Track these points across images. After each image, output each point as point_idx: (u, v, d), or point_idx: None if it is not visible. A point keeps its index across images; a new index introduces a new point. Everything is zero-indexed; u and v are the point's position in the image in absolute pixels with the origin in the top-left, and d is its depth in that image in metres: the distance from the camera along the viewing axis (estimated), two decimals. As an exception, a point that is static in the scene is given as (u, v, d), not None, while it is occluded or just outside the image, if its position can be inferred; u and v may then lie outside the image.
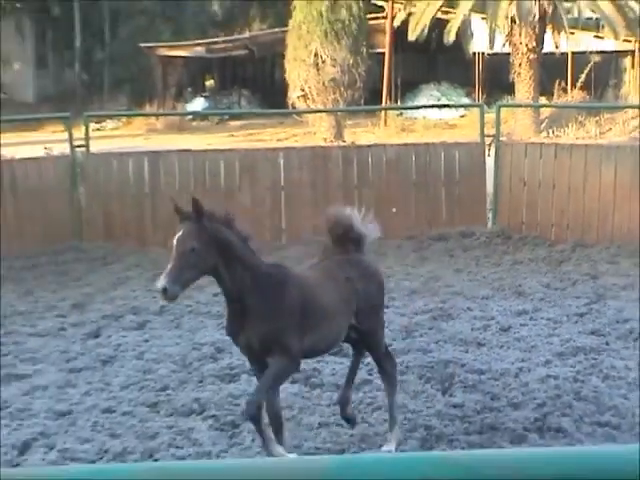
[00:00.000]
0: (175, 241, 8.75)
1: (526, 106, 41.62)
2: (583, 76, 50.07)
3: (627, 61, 56.23)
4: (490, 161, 20.17)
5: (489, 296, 15.17)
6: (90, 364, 12.11)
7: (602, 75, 53.87)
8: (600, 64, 53.64)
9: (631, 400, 10.37)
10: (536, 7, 41.11)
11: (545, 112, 45.09)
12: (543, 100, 45.64)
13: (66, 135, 19.41)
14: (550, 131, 42.64)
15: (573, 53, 50.42)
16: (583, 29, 48.27)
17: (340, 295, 9.14)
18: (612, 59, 56.17)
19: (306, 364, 11.62)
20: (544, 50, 43.13)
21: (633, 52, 54.20)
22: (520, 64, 42.54)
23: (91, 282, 16.53)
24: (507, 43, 43.16)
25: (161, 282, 8.36)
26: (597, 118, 44.45)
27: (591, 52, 51.73)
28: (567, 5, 42.89)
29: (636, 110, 44.04)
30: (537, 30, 41.77)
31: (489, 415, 10.07)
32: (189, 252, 8.54)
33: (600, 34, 52.08)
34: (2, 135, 32.63)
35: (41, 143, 27.12)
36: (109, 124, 46.26)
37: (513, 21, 41.79)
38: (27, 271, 16.96)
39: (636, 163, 18.24)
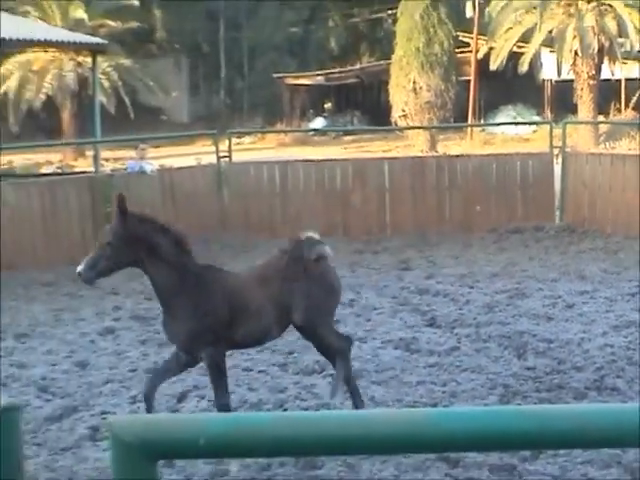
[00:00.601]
0: (100, 233, 8.37)
1: (587, 123, 41.33)
2: (634, 98, 49.22)
3: None
4: (557, 168, 20.11)
5: (556, 279, 15.04)
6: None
7: None
8: None
9: None
10: (595, 42, 40.84)
11: (603, 128, 44.28)
12: (601, 118, 44.94)
13: (213, 148, 19.58)
14: (607, 144, 41.92)
15: (626, 80, 48.98)
16: (634, 59, 47.19)
17: (270, 294, 8.31)
18: None
19: (405, 333, 11.63)
20: (602, 77, 42.86)
21: None
22: (582, 89, 42.20)
23: (233, 266, 16.58)
24: (571, 71, 42.66)
25: (79, 267, 8.03)
26: None
27: None
28: (621, 40, 42.15)
29: None
30: (596, 60, 41.46)
31: (556, 376, 9.98)
32: (105, 245, 8.06)
33: None
34: (163, 148, 33.00)
35: (193, 155, 27.31)
36: (247, 139, 46.45)
37: (576, 53, 41.34)
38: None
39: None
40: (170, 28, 62.23)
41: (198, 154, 26.41)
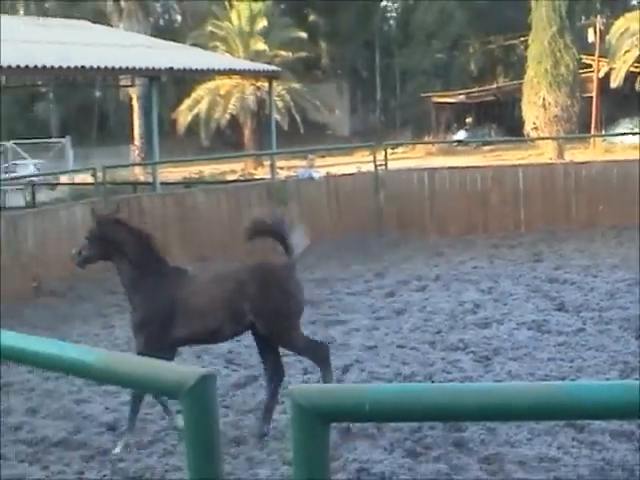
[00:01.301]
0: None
1: None
2: None
3: None
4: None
5: None
6: (388, 314, 12.19)
7: None
8: None
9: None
10: None
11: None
12: None
13: (371, 158, 19.58)
14: None
15: None
16: None
17: (222, 297, 7.69)
18: None
19: (536, 316, 11.43)
20: None
21: None
22: None
23: (388, 258, 16.60)
24: None
25: (73, 250, 8.36)
26: None
27: None
28: None
29: None
30: None
31: None
32: (84, 240, 8.24)
33: None
34: (328, 158, 33.18)
35: (353, 164, 27.38)
36: (400, 150, 46.40)
37: None
38: (345, 250, 17.20)
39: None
40: (333, 57, 62.83)
41: (358, 163, 26.46)
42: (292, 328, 7.80)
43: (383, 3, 68.60)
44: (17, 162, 45.39)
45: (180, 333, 7.77)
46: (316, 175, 19.05)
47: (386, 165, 19.37)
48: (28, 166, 44.12)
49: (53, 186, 30.77)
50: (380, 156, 19.54)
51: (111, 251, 8.08)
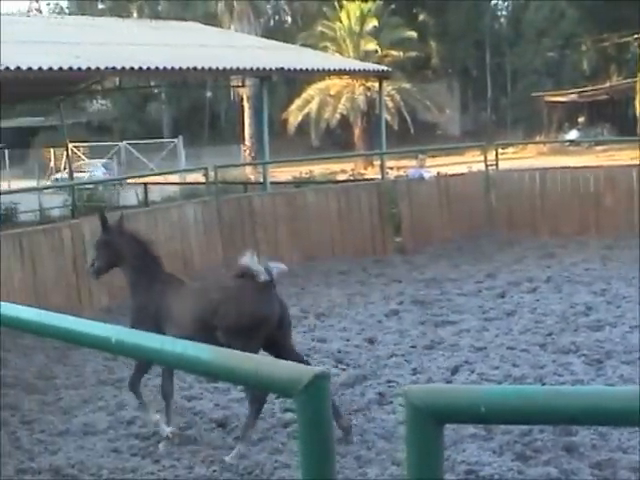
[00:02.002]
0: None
1: None
2: None
3: None
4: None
5: None
6: (499, 315, 12.05)
7: None
8: None
9: None
10: None
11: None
12: None
13: (481, 157, 19.42)
14: None
15: None
16: None
17: (195, 311, 7.84)
18: None
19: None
20: None
21: None
22: None
23: (498, 259, 16.43)
24: None
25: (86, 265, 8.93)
26: None
27: None
28: None
29: None
30: None
31: None
32: (94, 250, 8.74)
33: None
34: (438, 158, 32.98)
35: (464, 163, 27.19)
36: (511, 149, 45.91)
37: None
38: (455, 250, 17.09)
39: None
40: (443, 56, 62.53)
41: (468, 163, 26.26)
42: (246, 347, 7.07)
43: (493, 2, 68.06)
44: (86, 162, 46.37)
45: None
46: (426, 175, 18.97)
47: (497, 165, 19.18)
48: (98, 167, 45.17)
49: (121, 186, 31.32)
50: (491, 156, 19.35)
51: (117, 258, 8.49)
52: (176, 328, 7.77)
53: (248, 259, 7.96)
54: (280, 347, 7.77)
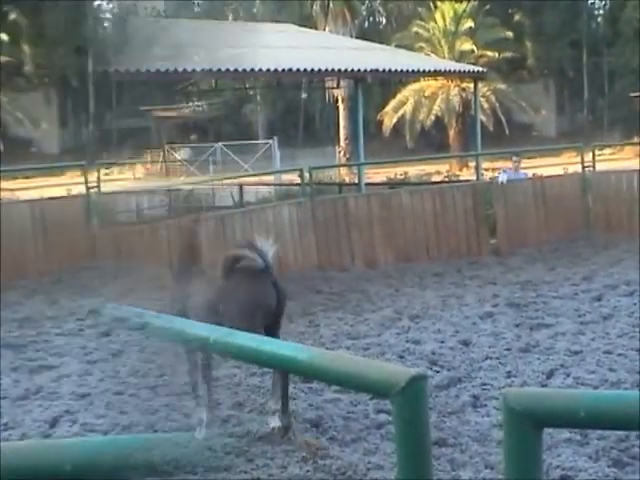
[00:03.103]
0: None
1: None
2: None
3: None
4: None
5: None
6: (595, 319, 11.82)
7: None
8: None
9: None
10: None
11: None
12: None
13: (577, 159, 19.21)
14: None
15: None
16: None
17: (209, 307, 7.92)
18: None
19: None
20: None
21: None
22: None
23: (595, 261, 16.15)
24: None
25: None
26: None
27: None
28: None
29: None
30: None
31: None
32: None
33: None
34: (534, 160, 32.55)
35: (561, 165, 26.83)
36: (608, 151, 45.10)
37: None
38: (551, 252, 16.90)
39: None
40: (539, 56, 61.83)
41: (565, 164, 25.95)
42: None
43: (590, 1, 67.00)
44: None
45: None
46: (522, 176, 18.81)
47: (594, 166, 18.91)
48: None
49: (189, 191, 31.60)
50: (588, 157, 19.09)
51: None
52: (193, 317, 7.75)
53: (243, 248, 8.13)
54: (269, 332, 7.72)
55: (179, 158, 46.50)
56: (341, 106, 50.03)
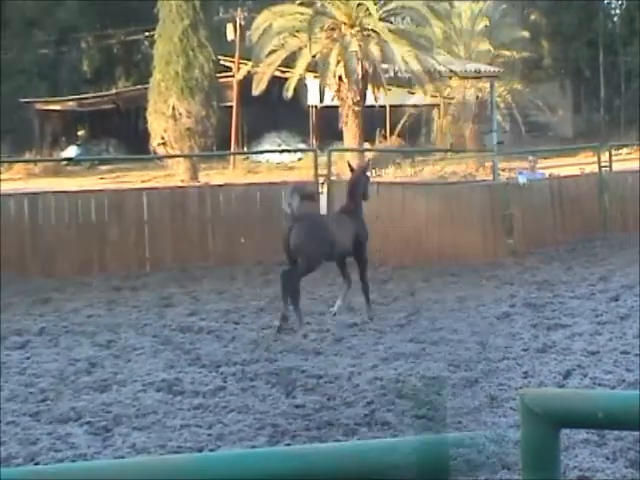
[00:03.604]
0: None
1: (353, 150, 33.56)
2: (400, 125, 44.30)
3: (435, 113, 48.93)
4: (324, 197, 17.19)
5: (324, 312, 12.72)
6: (612, 319, 11.82)
7: (415, 124, 47.38)
8: (413, 115, 46.95)
9: (442, 396, 8.52)
10: (359, 67, 33.39)
11: (369, 155, 36.02)
12: (367, 145, 38.20)
13: (594, 159, 19.18)
14: (373, 171, 35.47)
15: (391, 106, 43.35)
16: (399, 86, 38.70)
17: None
18: (423, 111, 48.28)
19: (167, 373, 9.78)
20: (367, 103, 35.40)
21: (439, 105, 47.12)
22: (347, 115, 34.49)
23: (612, 261, 16.17)
24: (336, 97, 34.87)
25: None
26: (411, 160, 38.57)
27: (405, 105, 45.33)
28: (385, 66, 34.19)
29: (442, 153, 38.36)
30: (360, 86, 33.76)
31: (326, 413, 8.37)
32: None
33: (412, 90, 42.48)
34: (550, 160, 32.49)
35: (576, 165, 26.83)
36: (624, 151, 45.01)
37: (340, 79, 33.65)
38: (568, 252, 16.95)
39: (443, 197, 16.41)
40: (556, 56, 61.77)
41: (581, 164, 25.90)
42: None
43: (606, 0, 66.81)
44: None
45: None
46: (539, 176, 18.83)
47: (610, 166, 18.88)
48: None
49: None
50: (604, 157, 19.06)
51: None
52: None
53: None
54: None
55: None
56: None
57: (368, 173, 13.91)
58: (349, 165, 13.92)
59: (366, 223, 13.04)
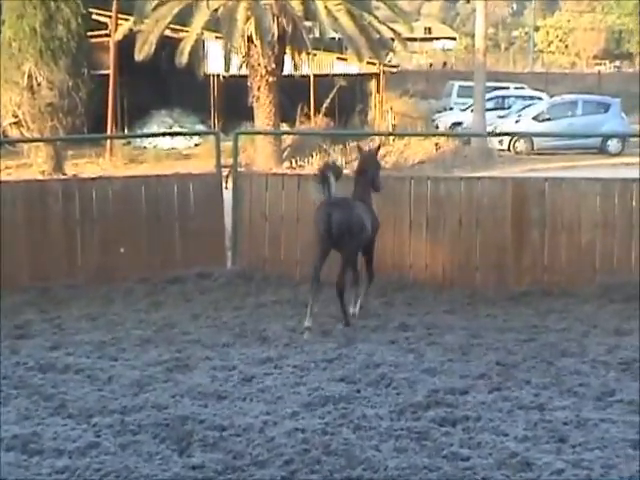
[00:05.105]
0: None
1: (266, 133, 35.13)
2: (327, 101, 44.05)
3: (372, 85, 49.82)
4: (228, 194, 17.06)
5: (230, 343, 12.66)
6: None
7: (347, 100, 47.44)
8: (345, 88, 47.13)
9: (383, 451, 8.51)
10: (274, 25, 34.03)
11: (287, 140, 38.74)
12: (285, 127, 39.41)
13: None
14: (293, 161, 36.88)
15: (316, 76, 44.68)
16: (326, 50, 41.32)
17: None
18: (357, 83, 49.51)
19: (24, 428, 9.45)
20: (284, 72, 36.34)
21: (378, 75, 48.07)
22: (259, 88, 35.47)
23: None
24: (244, 65, 35.76)
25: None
26: (342, 146, 38.13)
27: (335, 75, 46.22)
28: (308, 24, 35.30)
29: (383, 137, 37.59)
30: (276, 51, 34.67)
31: (232, 476, 8.25)
32: None
33: (344, 56, 45.07)
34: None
35: None
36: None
37: (250, 40, 34.39)
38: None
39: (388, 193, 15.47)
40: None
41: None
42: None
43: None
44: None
45: None
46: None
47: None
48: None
49: None
50: None
51: None
52: None
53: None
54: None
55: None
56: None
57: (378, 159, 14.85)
58: (358, 147, 15.05)
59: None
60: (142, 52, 35.59)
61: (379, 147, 15.21)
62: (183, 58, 35.57)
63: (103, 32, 43.97)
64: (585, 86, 70.42)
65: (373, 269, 14.32)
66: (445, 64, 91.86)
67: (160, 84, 48.26)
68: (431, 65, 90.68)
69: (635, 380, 10.79)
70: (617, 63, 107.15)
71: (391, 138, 41.05)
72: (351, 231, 13.26)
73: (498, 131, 44.46)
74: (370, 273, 14.28)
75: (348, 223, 13.21)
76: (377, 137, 37.70)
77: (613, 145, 45.41)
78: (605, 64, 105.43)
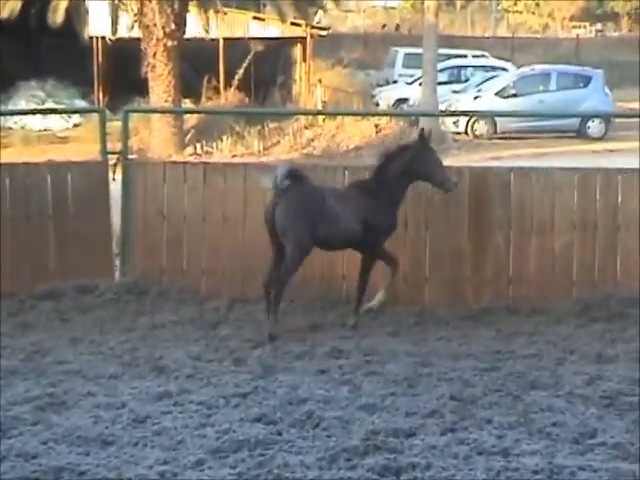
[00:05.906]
0: None
1: (164, 112, 35.50)
2: (241, 71, 44.03)
3: (297, 51, 49.66)
4: (117, 187, 16.90)
5: (118, 375, 12.52)
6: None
7: (266, 70, 46.72)
8: (263, 55, 46.41)
9: None
10: None
11: (191, 120, 39.28)
12: (187, 104, 39.97)
13: None
14: (198, 146, 37.64)
15: (226, 40, 44.62)
16: (240, 8, 42.23)
17: None
18: (278, 49, 48.69)
19: None
20: (187, 35, 36.61)
21: (304, 39, 47.90)
22: (155, 54, 35.70)
23: None
24: (137, 25, 36.07)
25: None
26: (260, 128, 39.18)
27: (250, 39, 46.08)
28: None
29: (310, 118, 38.88)
30: (177, 7, 34.72)
31: None
32: None
33: (262, 15, 45.80)
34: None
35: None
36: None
37: None
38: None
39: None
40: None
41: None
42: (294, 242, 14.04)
43: None
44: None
45: None
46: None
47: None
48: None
49: None
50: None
51: None
52: None
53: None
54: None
55: None
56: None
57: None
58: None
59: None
60: (6, 10, 35.51)
61: (425, 134, 15.48)
62: (58, 16, 35.77)
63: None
64: (560, 54, 71.13)
65: (369, 274, 14.92)
66: (385, 26, 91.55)
67: (28, 49, 47.56)
68: (370, 28, 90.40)
69: (620, 418, 10.86)
70: (599, 26, 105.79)
71: (320, 118, 41.11)
72: (294, 225, 13.86)
73: (453, 110, 44.75)
74: (392, 264, 14.82)
75: (292, 215, 13.82)
76: (302, 117, 38.73)
77: (594, 127, 46.05)
78: (585, 27, 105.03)
